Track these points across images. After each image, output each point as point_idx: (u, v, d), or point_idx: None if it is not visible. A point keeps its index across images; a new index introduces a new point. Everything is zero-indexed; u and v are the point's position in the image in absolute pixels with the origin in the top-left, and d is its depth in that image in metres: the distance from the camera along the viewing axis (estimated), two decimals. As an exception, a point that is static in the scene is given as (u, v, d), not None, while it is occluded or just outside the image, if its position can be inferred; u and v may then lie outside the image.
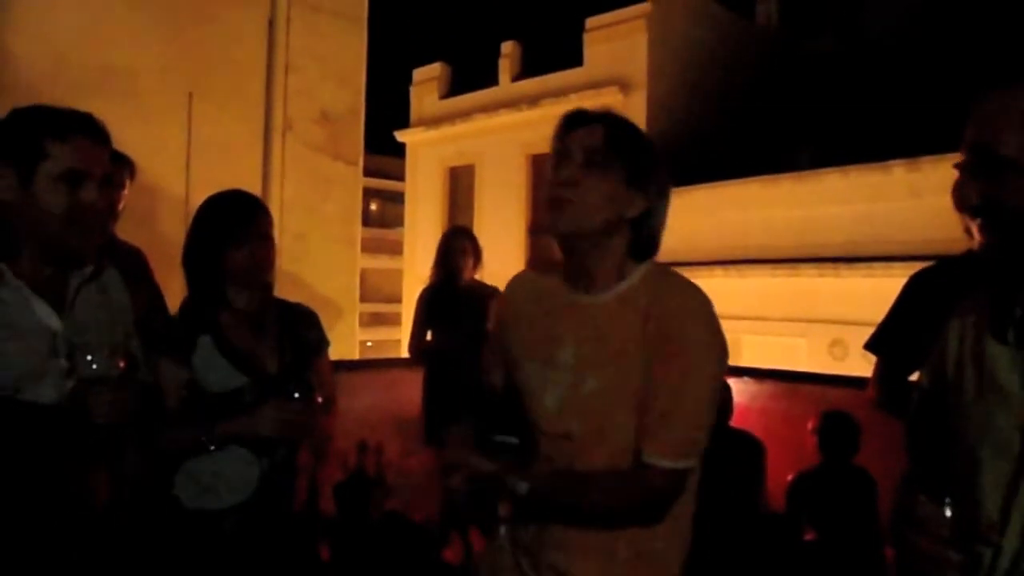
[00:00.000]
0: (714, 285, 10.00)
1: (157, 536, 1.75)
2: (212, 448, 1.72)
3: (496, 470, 1.29)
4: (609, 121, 1.36)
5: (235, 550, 1.78)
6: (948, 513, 1.01)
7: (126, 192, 2.61)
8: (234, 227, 1.84)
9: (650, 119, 12.49)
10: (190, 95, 5.57)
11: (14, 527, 1.40)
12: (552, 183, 1.35)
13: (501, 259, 13.76)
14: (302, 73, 6.17)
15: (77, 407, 1.39)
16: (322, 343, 2.05)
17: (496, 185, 14.61)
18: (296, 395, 1.73)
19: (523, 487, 1.28)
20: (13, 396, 1.38)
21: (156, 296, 2.54)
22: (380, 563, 3.42)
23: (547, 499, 1.33)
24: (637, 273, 1.38)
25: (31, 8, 4.88)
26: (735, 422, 3.52)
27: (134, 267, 2.53)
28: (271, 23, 6.02)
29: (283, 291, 6.15)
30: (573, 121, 1.37)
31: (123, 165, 2.60)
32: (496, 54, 15.20)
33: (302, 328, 2.00)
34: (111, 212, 2.54)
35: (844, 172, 9.15)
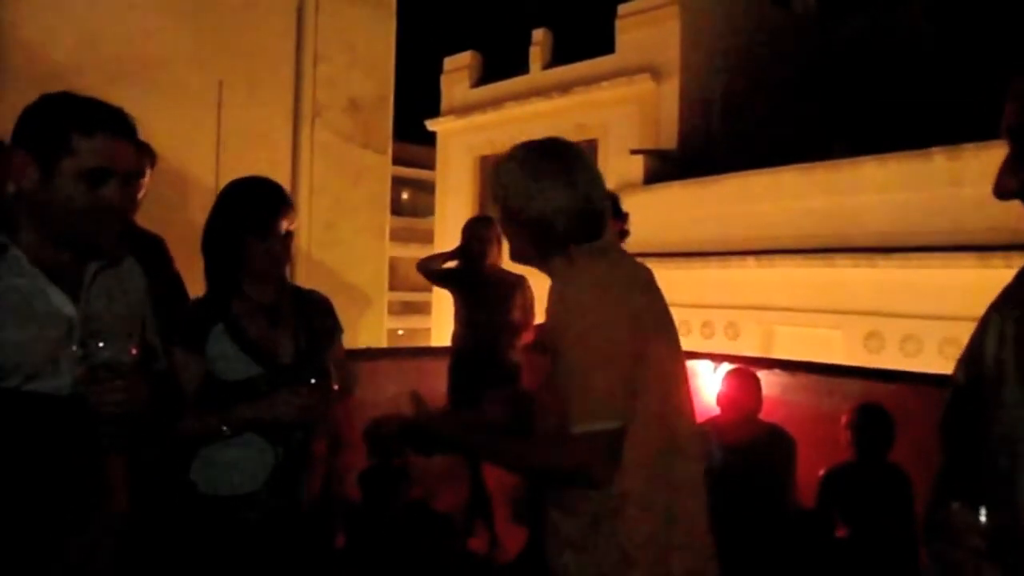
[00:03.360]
0: (746, 276, 9.90)
1: (174, 522, 1.75)
2: (225, 429, 1.71)
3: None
4: (496, 173, 1.66)
5: (249, 537, 1.77)
6: (983, 519, 0.95)
7: (146, 180, 2.61)
8: (257, 221, 1.82)
9: (683, 107, 12.33)
10: (220, 83, 5.60)
11: (30, 518, 1.39)
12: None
13: (531, 248, 13.73)
14: (331, 61, 6.16)
15: (84, 397, 1.37)
16: (336, 331, 2.04)
17: (527, 173, 14.50)
18: (312, 381, 1.72)
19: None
20: (20, 387, 1.37)
21: (176, 284, 2.54)
22: (404, 552, 3.42)
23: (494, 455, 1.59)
24: (558, 267, 1.56)
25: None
26: (765, 415, 3.45)
27: (153, 255, 2.54)
28: (300, 11, 6.01)
29: (311, 279, 6.17)
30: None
31: (144, 153, 2.60)
32: (527, 42, 15.11)
33: (317, 316, 1.98)
34: (132, 207, 2.55)
35: (882, 160, 8.92)
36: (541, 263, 1.57)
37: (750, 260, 9.86)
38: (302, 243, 6.10)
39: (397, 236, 17.63)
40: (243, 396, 1.75)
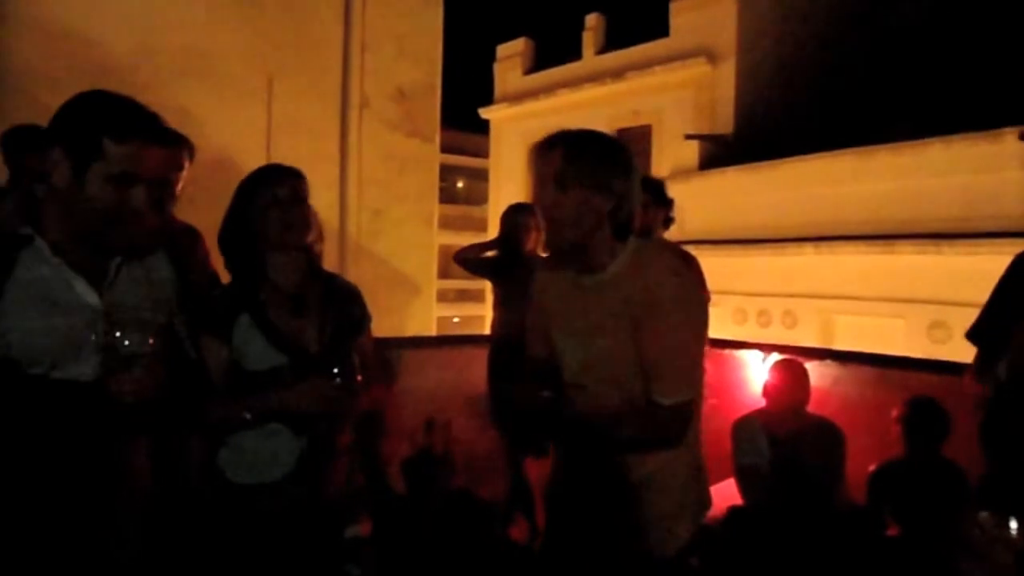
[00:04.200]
0: (804, 264, 9.63)
1: (198, 506, 1.78)
2: (248, 416, 1.72)
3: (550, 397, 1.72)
4: (566, 142, 1.65)
5: (271, 525, 1.79)
6: (1014, 529, 0.88)
7: (185, 173, 2.65)
8: (265, 190, 1.85)
9: (739, 90, 12.03)
10: (270, 77, 5.68)
11: (54, 497, 1.43)
12: (538, 205, 1.75)
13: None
14: (378, 52, 6.19)
15: (104, 386, 1.40)
16: (364, 320, 2.03)
17: (580, 160, 14.39)
18: (336, 372, 1.72)
19: (570, 414, 1.72)
20: (47, 375, 1.41)
21: (209, 275, 2.58)
22: (446, 540, 3.43)
23: (586, 428, 1.72)
24: (625, 252, 1.70)
25: (116, -4, 5.05)
26: (815, 407, 3.34)
27: (187, 246, 2.58)
28: (347, 3, 6.05)
29: (360, 267, 6.24)
30: (540, 148, 1.67)
31: (182, 146, 2.64)
32: (580, 27, 14.94)
33: (344, 305, 1.98)
34: (168, 205, 2.59)
35: (947, 142, 8.54)
36: (591, 248, 1.67)
37: (807, 247, 9.58)
38: (351, 232, 6.18)
39: (453, 224, 17.77)
40: (268, 385, 1.76)
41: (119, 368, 1.40)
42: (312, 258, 1.95)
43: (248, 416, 1.73)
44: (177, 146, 2.65)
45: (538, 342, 1.90)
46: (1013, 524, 0.89)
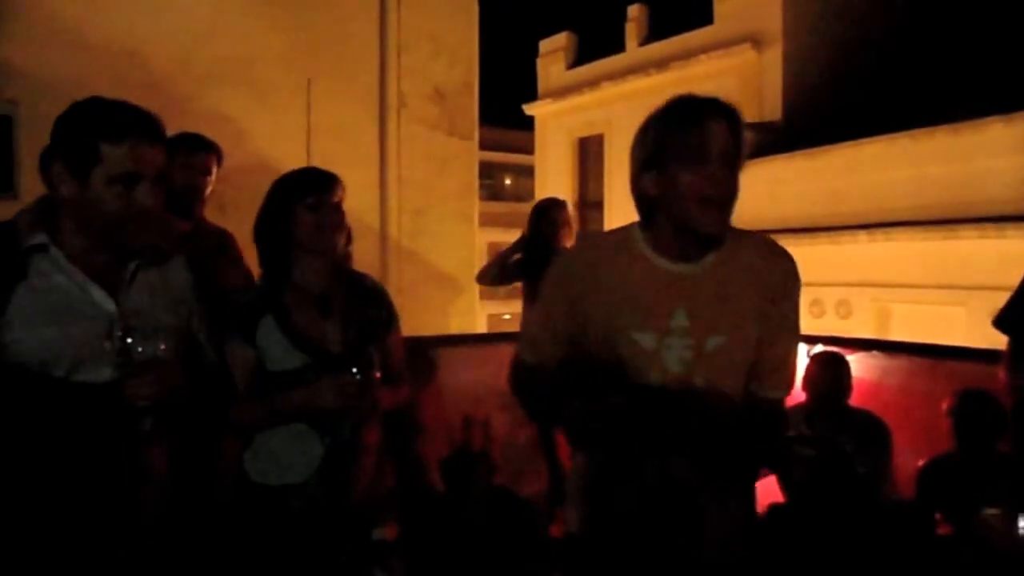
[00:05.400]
0: (857, 251, 9.35)
1: (221, 507, 1.80)
2: (269, 407, 1.74)
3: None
4: (731, 116, 1.48)
5: (296, 525, 1.80)
6: (1022, 527, 0.82)
7: (213, 178, 2.70)
8: (301, 193, 1.87)
9: (786, 76, 11.74)
10: (308, 81, 5.76)
11: (71, 503, 1.46)
12: (704, 179, 1.45)
13: (631, 230, 13.47)
14: (414, 52, 6.22)
15: (120, 389, 1.43)
16: (390, 320, 2.03)
17: (626, 154, 14.19)
18: (355, 371, 1.72)
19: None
20: (67, 378, 1.44)
21: (244, 277, 2.61)
22: (487, 538, 3.42)
23: (704, 428, 1.51)
24: (726, 240, 1.54)
25: (156, 8, 5.17)
26: (861, 400, 3.23)
27: (219, 249, 2.62)
28: (382, 5, 6.09)
29: (402, 267, 6.26)
30: (697, 112, 1.47)
31: (211, 151, 2.70)
32: (623, 19, 14.79)
33: (370, 306, 1.98)
34: (196, 199, 2.63)
35: (1008, 120, 8.17)
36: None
37: (861, 234, 9.29)
38: (392, 232, 6.22)
39: (500, 221, 17.79)
40: (290, 386, 1.78)
41: (134, 372, 1.43)
42: (338, 259, 1.96)
43: (268, 409, 1.74)
44: (206, 150, 2.71)
45: (555, 348, 1.61)
46: (1022, 523, 0.82)
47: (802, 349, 3.98)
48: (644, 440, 1.49)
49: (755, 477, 1.71)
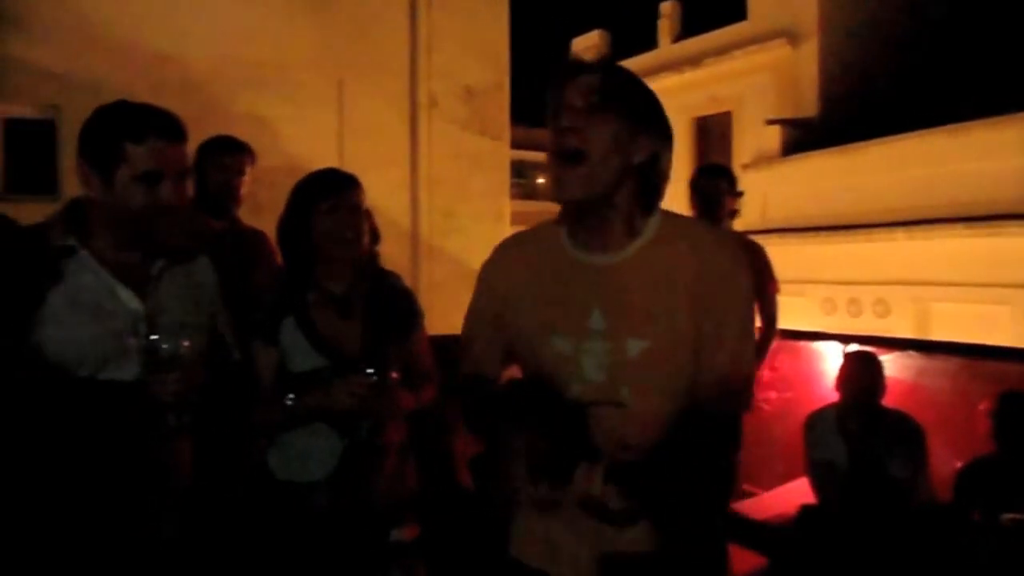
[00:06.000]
0: (896, 249, 9.17)
1: (244, 503, 1.83)
2: (289, 402, 1.76)
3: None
4: (604, 65, 1.30)
5: (317, 522, 1.82)
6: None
7: (247, 178, 2.74)
8: (319, 196, 1.88)
9: (822, 71, 11.58)
10: (340, 82, 5.81)
11: (97, 497, 1.49)
12: (554, 135, 1.27)
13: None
14: (444, 51, 6.24)
15: (145, 386, 1.46)
16: (414, 321, 2.04)
17: (658, 152, 14.15)
18: (370, 371, 1.74)
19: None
20: (94, 375, 1.47)
21: (272, 277, 2.64)
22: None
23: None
24: (650, 226, 1.32)
25: (192, 14, 5.27)
26: (897, 401, 3.18)
27: (252, 249, 2.66)
28: (413, 5, 6.12)
29: (433, 267, 6.30)
30: (568, 72, 1.29)
31: (244, 152, 2.74)
32: (655, 16, 14.71)
33: (393, 306, 1.99)
34: (231, 199, 2.68)
35: (1052, 114, 7.98)
36: (614, 209, 1.31)
37: (898, 232, 9.11)
38: (423, 231, 6.25)
39: (532, 221, 17.70)
40: (310, 386, 1.80)
41: (159, 370, 1.46)
42: (360, 260, 1.97)
43: (289, 403, 1.77)
44: (239, 151, 2.76)
45: (490, 353, 1.46)
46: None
47: (836, 348, 3.93)
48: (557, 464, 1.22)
49: (711, 503, 1.39)
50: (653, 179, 1.30)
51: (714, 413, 1.30)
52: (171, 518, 1.59)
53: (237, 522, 1.80)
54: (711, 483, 1.34)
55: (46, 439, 1.48)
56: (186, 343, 1.47)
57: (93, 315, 1.50)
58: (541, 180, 27.97)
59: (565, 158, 1.25)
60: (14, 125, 5.05)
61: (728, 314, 1.28)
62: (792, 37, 11.83)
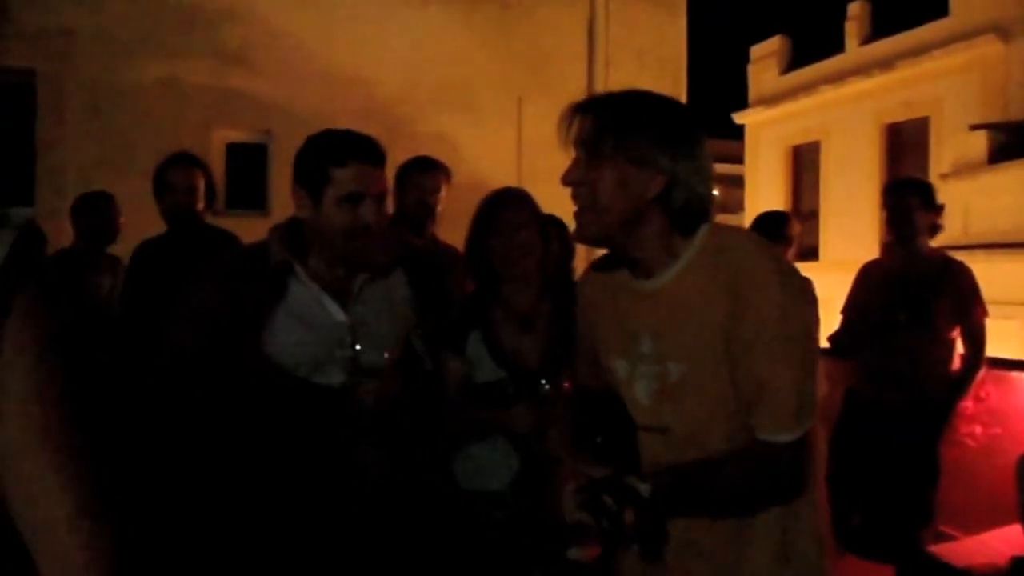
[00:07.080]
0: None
1: (429, 508, 1.93)
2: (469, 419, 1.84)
3: (611, 473, 1.20)
4: (598, 104, 1.31)
5: (494, 533, 1.89)
6: None
7: (443, 195, 2.88)
8: (485, 218, 1.97)
9: (1038, 69, 10.45)
10: (519, 99, 6.01)
11: (294, 489, 1.65)
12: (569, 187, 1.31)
13: (849, 243, 12.61)
14: (622, 66, 6.28)
15: (350, 393, 1.59)
16: None
17: (845, 161, 13.37)
18: (544, 384, 1.79)
19: (645, 488, 1.15)
20: (308, 379, 1.63)
21: (463, 293, 2.77)
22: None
23: (672, 497, 1.22)
24: (691, 247, 1.30)
25: (386, 41, 5.67)
26: None
27: (447, 265, 2.79)
28: (591, 22, 6.21)
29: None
30: (567, 116, 1.30)
31: (439, 172, 2.89)
32: (842, 17, 13.91)
33: (575, 321, 2.03)
34: (427, 217, 2.83)
35: None
36: (637, 242, 1.31)
37: None
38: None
39: (704, 234, 17.34)
40: (490, 397, 1.89)
41: (361, 378, 1.59)
42: (547, 274, 2.03)
43: (465, 416, 1.86)
44: (435, 171, 2.90)
45: (588, 370, 1.55)
46: None
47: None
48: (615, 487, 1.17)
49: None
50: (679, 205, 1.27)
51: (761, 440, 1.23)
52: (363, 514, 1.71)
53: (423, 525, 1.90)
54: (732, 508, 1.29)
55: (262, 434, 1.64)
56: (387, 354, 1.59)
57: (308, 326, 1.66)
58: (716, 192, 27.26)
59: (577, 213, 1.30)
60: (234, 149, 5.68)
61: (756, 327, 1.21)
62: (1003, 32, 10.76)
